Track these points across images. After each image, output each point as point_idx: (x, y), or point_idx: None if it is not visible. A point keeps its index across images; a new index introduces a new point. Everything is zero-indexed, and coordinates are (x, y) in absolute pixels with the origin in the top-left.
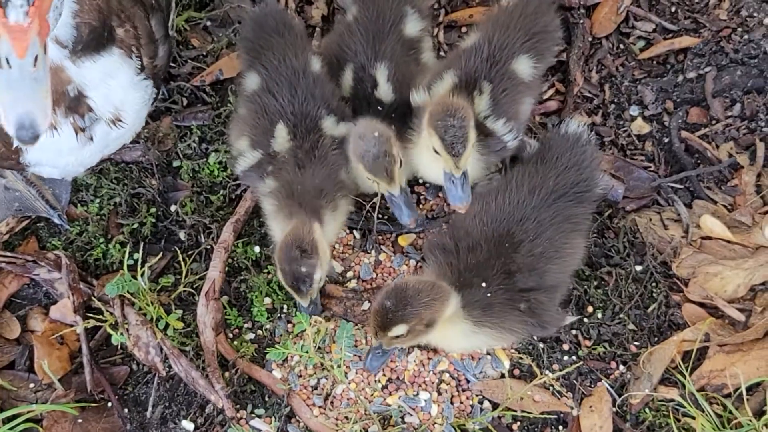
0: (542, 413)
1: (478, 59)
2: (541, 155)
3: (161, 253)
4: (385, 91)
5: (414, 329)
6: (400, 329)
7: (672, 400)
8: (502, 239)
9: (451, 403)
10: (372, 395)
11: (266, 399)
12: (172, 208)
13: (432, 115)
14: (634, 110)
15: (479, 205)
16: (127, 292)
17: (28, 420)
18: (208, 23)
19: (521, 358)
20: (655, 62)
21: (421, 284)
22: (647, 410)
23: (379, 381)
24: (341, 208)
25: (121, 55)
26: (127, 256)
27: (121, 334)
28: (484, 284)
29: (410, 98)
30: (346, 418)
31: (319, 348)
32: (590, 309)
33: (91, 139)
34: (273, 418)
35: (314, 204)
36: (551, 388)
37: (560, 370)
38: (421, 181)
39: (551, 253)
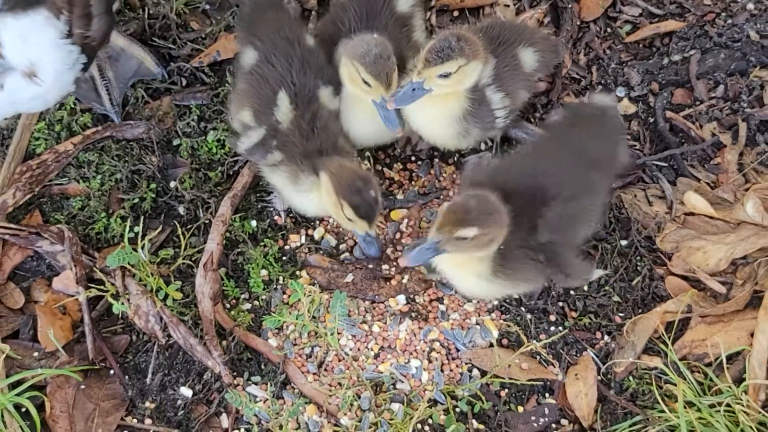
0: (529, 380)
1: (487, 37)
2: (574, 120)
3: (161, 227)
4: None
5: (479, 239)
6: (471, 231)
7: (655, 368)
8: (533, 194)
9: (441, 370)
10: (365, 362)
11: (262, 366)
12: (172, 184)
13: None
14: (620, 91)
15: (514, 158)
16: (128, 263)
17: (32, 387)
18: (207, 7)
19: (509, 326)
20: (641, 45)
21: (498, 202)
22: (631, 378)
23: (372, 349)
24: None
25: (47, 17)
26: (127, 229)
27: (122, 303)
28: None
29: (410, 65)
30: (339, 384)
31: (313, 317)
32: (596, 269)
33: (2, 87)
34: (269, 385)
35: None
36: (538, 356)
37: (547, 339)
38: (413, 159)
39: (579, 216)
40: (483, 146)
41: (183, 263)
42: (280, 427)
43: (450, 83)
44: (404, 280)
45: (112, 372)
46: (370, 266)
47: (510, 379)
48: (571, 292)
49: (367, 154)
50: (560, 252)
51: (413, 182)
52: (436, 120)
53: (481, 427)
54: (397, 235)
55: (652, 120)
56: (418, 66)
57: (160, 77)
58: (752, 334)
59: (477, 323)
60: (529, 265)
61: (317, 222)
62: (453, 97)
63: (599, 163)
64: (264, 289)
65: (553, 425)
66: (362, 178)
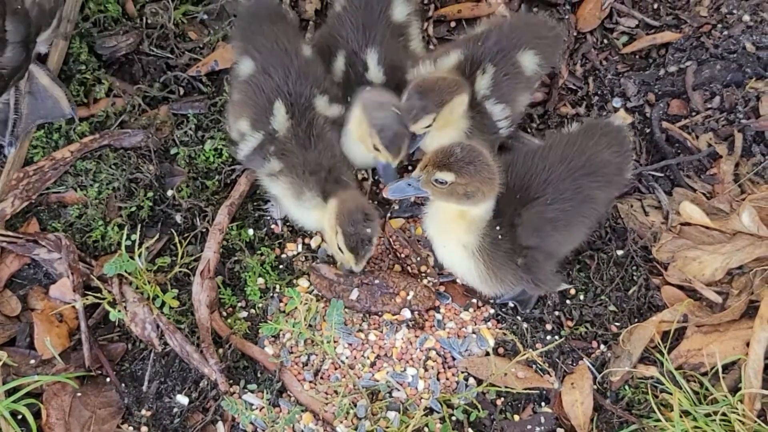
0: (525, 389)
1: (486, 43)
2: (584, 131)
3: (158, 235)
4: (375, 74)
5: (455, 187)
6: (448, 176)
7: (651, 378)
8: (517, 190)
9: (438, 379)
10: (361, 371)
11: (258, 374)
12: (169, 192)
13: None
14: (617, 102)
15: (509, 157)
16: (125, 271)
17: (28, 394)
18: (205, 17)
19: (505, 335)
20: (637, 56)
21: (492, 161)
22: (627, 387)
23: (368, 357)
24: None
25: None
26: (124, 237)
27: (119, 311)
28: (498, 227)
29: (410, 75)
30: (336, 392)
31: (310, 325)
32: (572, 291)
33: None
34: (265, 393)
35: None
36: (534, 365)
37: (543, 348)
38: (410, 168)
39: (559, 222)
40: None
41: (180, 271)
42: None
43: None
44: (409, 297)
45: (108, 379)
46: (376, 281)
47: (506, 387)
48: (567, 302)
49: None
50: (538, 260)
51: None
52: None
53: None
54: (395, 245)
55: (648, 130)
56: (420, 165)
57: (69, 117)
58: (748, 344)
59: (473, 332)
60: (509, 267)
61: (314, 231)
62: (452, 124)
63: (602, 173)
64: (260, 297)
65: None
66: (365, 214)
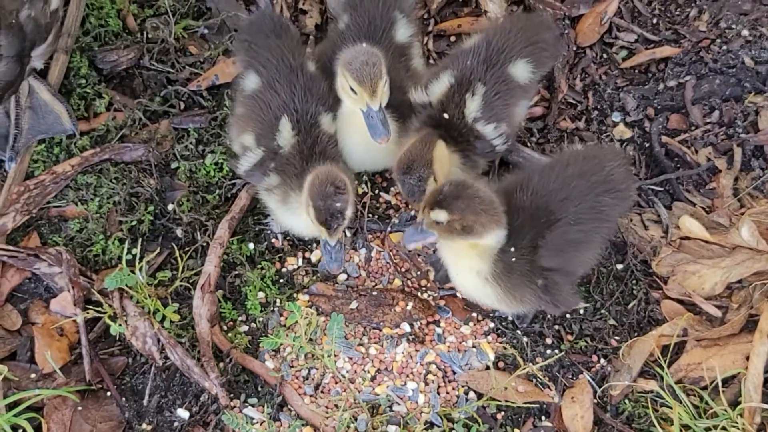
0: (525, 403)
1: (475, 60)
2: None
3: (159, 249)
4: None
5: (452, 224)
6: (441, 215)
7: (651, 392)
8: (539, 212)
9: (438, 393)
10: (362, 385)
11: (259, 388)
12: (170, 206)
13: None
14: (616, 116)
15: (522, 175)
16: (126, 285)
17: (29, 408)
18: (205, 31)
19: (505, 348)
20: (637, 71)
21: (485, 193)
22: (627, 401)
23: (368, 371)
24: None
25: None
26: (125, 251)
27: (120, 325)
28: (512, 249)
29: (409, 97)
30: (336, 406)
31: (310, 339)
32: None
33: None
34: (265, 407)
35: None
36: (534, 379)
37: (543, 362)
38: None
39: (582, 243)
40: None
41: (181, 285)
42: None
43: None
44: (408, 307)
45: (109, 393)
46: (374, 293)
47: (506, 401)
48: (567, 316)
49: (365, 177)
50: (558, 282)
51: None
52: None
53: None
54: (394, 259)
55: (647, 145)
56: (422, 206)
57: (70, 132)
58: (748, 358)
59: (473, 346)
60: (528, 288)
61: (314, 244)
62: (447, 168)
63: (617, 193)
64: (261, 311)
65: None
66: (337, 186)
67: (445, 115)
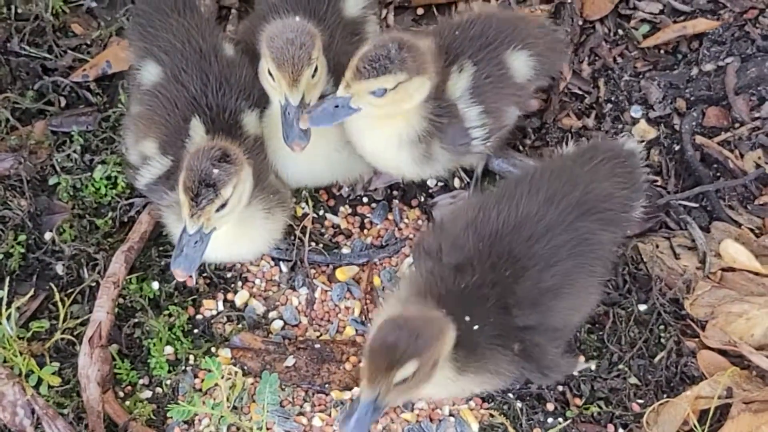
0: None
1: (466, 34)
2: (578, 155)
3: (33, 291)
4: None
5: (422, 368)
6: (410, 367)
7: None
8: (500, 262)
9: None
10: None
11: None
12: (47, 235)
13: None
14: (636, 111)
15: (474, 210)
16: None
17: None
18: (93, 4)
19: (493, 416)
20: (662, 51)
21: (424, 313)
22: None
23: None
24: (276, 215)
25: None
26: None
27: None
28: (467, 318)
29: None
30: None
31: (234, 407)
32: (582, 359)
33: None
34: None
35: None
36: None
37: None
38: (365, 200)
39: (563, 289)
40: (458, 182)
41: (62, 339)
42: None
43: (384, 103)
44: (362, 363)
45: None
46: (318, 345)
47: None
48: (575, 373)
49: (305, 194)
50: (538, 343)
51: (366, 231)
52: (385, 141)
53: None
54: (345, 302)
55: (677, 147)
56: (346, 76)
57: None
58: None
59: (451, 414)
60: (500, 356)
61: (239, 283)
62: (400, 116)
63: (601, 215)
64: (169, 371)
65: None
66: (226, 155)
67: None
